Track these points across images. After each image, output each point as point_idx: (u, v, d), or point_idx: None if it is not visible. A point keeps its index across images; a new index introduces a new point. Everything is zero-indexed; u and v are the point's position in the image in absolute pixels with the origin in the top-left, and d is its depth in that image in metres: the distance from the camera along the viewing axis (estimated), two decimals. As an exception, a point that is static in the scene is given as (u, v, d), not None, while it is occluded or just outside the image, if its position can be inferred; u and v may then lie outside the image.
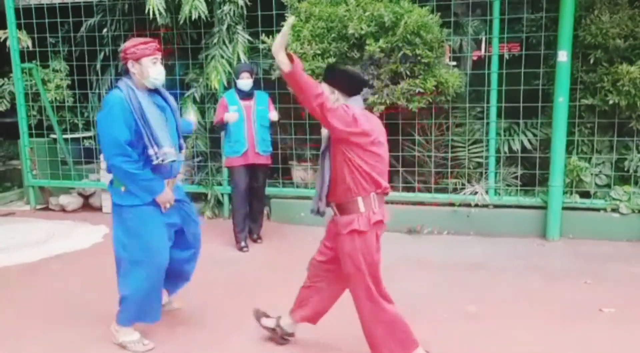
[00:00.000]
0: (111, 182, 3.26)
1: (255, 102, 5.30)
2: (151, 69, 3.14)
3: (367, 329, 2.92)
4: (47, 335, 3.51)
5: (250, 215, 5.48)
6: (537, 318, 3.66)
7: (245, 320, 3.48)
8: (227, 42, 6.00)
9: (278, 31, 5.58)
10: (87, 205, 7.03)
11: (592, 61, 5.21)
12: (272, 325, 3.29)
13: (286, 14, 5.69)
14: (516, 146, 5.66)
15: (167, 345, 3.37)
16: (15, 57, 6.85)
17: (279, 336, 3.28)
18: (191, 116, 4.90)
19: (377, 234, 2.85)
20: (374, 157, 2.79)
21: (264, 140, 5.30)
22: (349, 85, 2.87)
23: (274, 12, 5.86)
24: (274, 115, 5.31)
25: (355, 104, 2.83)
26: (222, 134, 5.67)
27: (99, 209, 6.88)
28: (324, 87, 2.82)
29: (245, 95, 5.28)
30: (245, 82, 5.26)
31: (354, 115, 2.70)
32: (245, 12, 5.99)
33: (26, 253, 5.08)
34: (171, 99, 3.38)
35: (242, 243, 5.32)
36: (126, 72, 3.18)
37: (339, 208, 2.86)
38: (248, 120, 5.21)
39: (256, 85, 5.45)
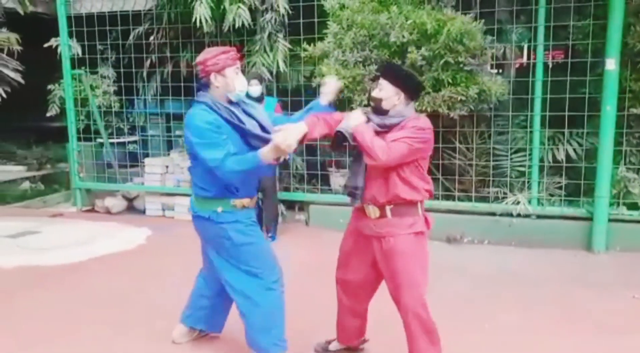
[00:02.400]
0: (198, 214, 2.98)
1: (262, 107, 5.49)
2: (236, 81, 2.91)
3: (413, 339, 2.85)
4: (85, 334, 3.61)
5: (265, 213, 5.82)
6: (581, 333, 3.57)
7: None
8: (268, 49, 6.09)
9: (320, 39, 5.73)
10: (132, 207, 7.22)
11: (642, 69, 5.08)
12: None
13: (328, 22, 5.73)
14: (561, 155, 5.53)
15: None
16: (66, 64, 7.11)
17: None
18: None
19: None
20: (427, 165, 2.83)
21: None
22: (414, 89, 2.82)
23: (315, 20, 5.92)
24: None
25: (412, 110, 2.81)
26: None
27: (142, 212, 7.06)
28: (387, 87, 2.76)
29: (255, 101, 5.48)
30: (254, 88, 5.52)
31: (426, 130, 2.73)
32: (286, 20, 6.06)
33: (72, 253, 5.25)
34: (257, 109, 3.09)
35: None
36: (205, 86, 2.92)
37: (395, 212, 2.80)
38: None
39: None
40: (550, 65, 5.72)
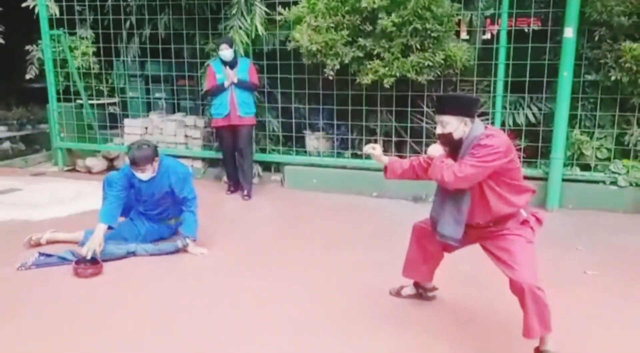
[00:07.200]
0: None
1: (237, 70, 5.90)
2: None
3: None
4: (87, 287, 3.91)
5: (241, 173, 6.16)
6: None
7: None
8: (245, 13, 6.22)
9: (295, 3, 5.89)
10: (112, 167, 7.41)
11: (597, 38, 5.36)
12: (413, 292, 3.60)
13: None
14: (521, 119, 5.86)
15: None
16: (44, 25, 7.16)
17: (425, 296, 3.58)
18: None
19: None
20: (518, 171, 2.89)
21: (245, 103, 5.96)
22: (472, 108, 2.90)
23: (291, -16, 6.05)
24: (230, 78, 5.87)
25: (479, 125, 2.86)
26: (209, 98, 6.36)
27: (123, 171, 7.27)
28: (450, 120, 2.82)
29: (229, 65, 5.89)
30: (224, 53, 5.83)
31: (503, 147, 2.75)
32: (263, -17, 6.18)
33: (57, 209, 5.49)
34: None
35: (232, 189, 6.32)
36: None
37: (499, 221, 2.93)
38: (230, 87, 5.88)
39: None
40: (513, 33, 5.96)
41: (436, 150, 2.98)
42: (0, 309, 3.43)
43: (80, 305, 3.50)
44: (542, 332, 2.80)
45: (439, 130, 2.89)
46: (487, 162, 2.75)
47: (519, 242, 2.93)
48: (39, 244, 4.38)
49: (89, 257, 3.96)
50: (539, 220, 3.04)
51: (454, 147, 2.91)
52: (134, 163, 4.10)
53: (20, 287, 3.75)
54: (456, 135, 2.85)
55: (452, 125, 2.84)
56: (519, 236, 2.94)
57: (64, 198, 5.91)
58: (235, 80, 5.84)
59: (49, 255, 4.09)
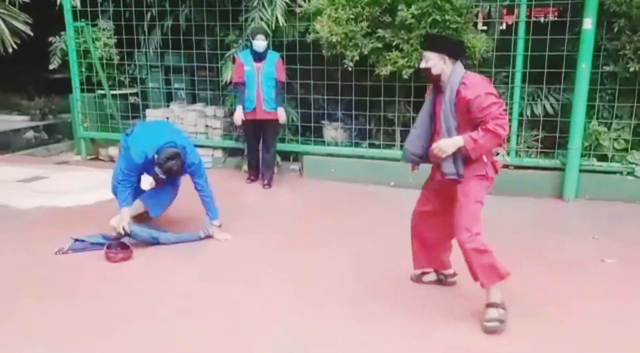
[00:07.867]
0: None
1: (265, 64, 5.90)
2: None
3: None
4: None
5: (263, 163, 6.27)
6: (542, 267, 4.01)
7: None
8: (266, 5, 6.30)
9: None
10: (133, 156, 7.56)
11: (615, 29, 5.38)
12: (434, 278, 3.72)
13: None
14: (538, 110, 5.89)
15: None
16: (68, 16, 7.30)
17: (446, 282, 3.70)
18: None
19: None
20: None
21: (270, 98, 5.97)
22: (456, 51, 3.11)
23: (311, -24, 6.11)
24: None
25: (460, 67, 3.05)
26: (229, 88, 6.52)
27: (144, 161, 7.40)
28: (431, 56, 3.04)
29: (258, 57, 5.89)
30: (260, 43, 5.83)
31: (487, 83, 3.02)
32: (284, -25, 6.25)
33: (84, 197, 5.65)
34: None
35: (252, 178, 6.45)
36: None
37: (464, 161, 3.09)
38: (257, 81, 5.89)
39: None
40: (532, 24, 5.98)
41: (450, 143, 3.03)
42: (40, 290, 3.59)
43: (109, 289, 3.66)
44: (486, 284, 3.15)
45: (422, 65, 3.12)
46: (498, 98, 2.97)
47: (466, 204, 3.11)
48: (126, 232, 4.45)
49: (121, 231, 4.15)
50: (496, 170, 3.19)
51: (434, 82, 3.14)
52: (172, 173, 4.22)
53: (56, 269, 3.93)
54: (434, 71, 3.06)
55: (433, 60, 3.05)
56: (468, 197, 3.11)
57: (90, 186, 6.07)
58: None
59: (83, 241, 4.25)
